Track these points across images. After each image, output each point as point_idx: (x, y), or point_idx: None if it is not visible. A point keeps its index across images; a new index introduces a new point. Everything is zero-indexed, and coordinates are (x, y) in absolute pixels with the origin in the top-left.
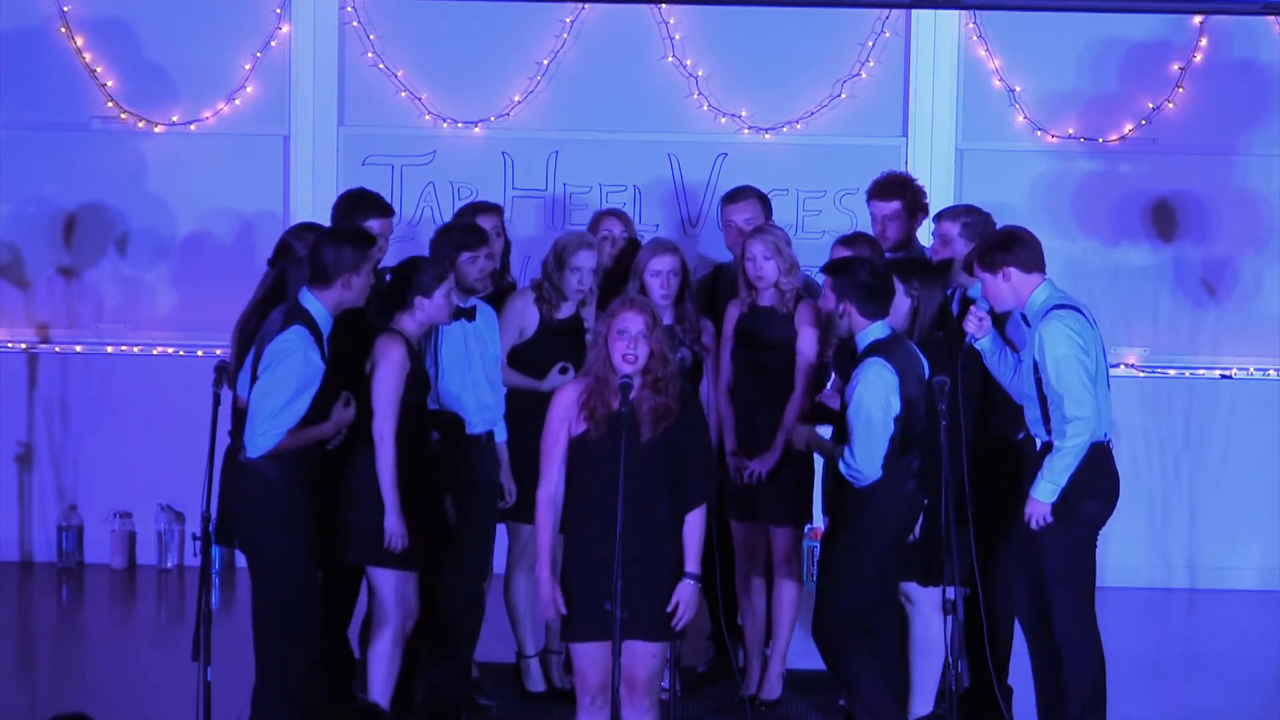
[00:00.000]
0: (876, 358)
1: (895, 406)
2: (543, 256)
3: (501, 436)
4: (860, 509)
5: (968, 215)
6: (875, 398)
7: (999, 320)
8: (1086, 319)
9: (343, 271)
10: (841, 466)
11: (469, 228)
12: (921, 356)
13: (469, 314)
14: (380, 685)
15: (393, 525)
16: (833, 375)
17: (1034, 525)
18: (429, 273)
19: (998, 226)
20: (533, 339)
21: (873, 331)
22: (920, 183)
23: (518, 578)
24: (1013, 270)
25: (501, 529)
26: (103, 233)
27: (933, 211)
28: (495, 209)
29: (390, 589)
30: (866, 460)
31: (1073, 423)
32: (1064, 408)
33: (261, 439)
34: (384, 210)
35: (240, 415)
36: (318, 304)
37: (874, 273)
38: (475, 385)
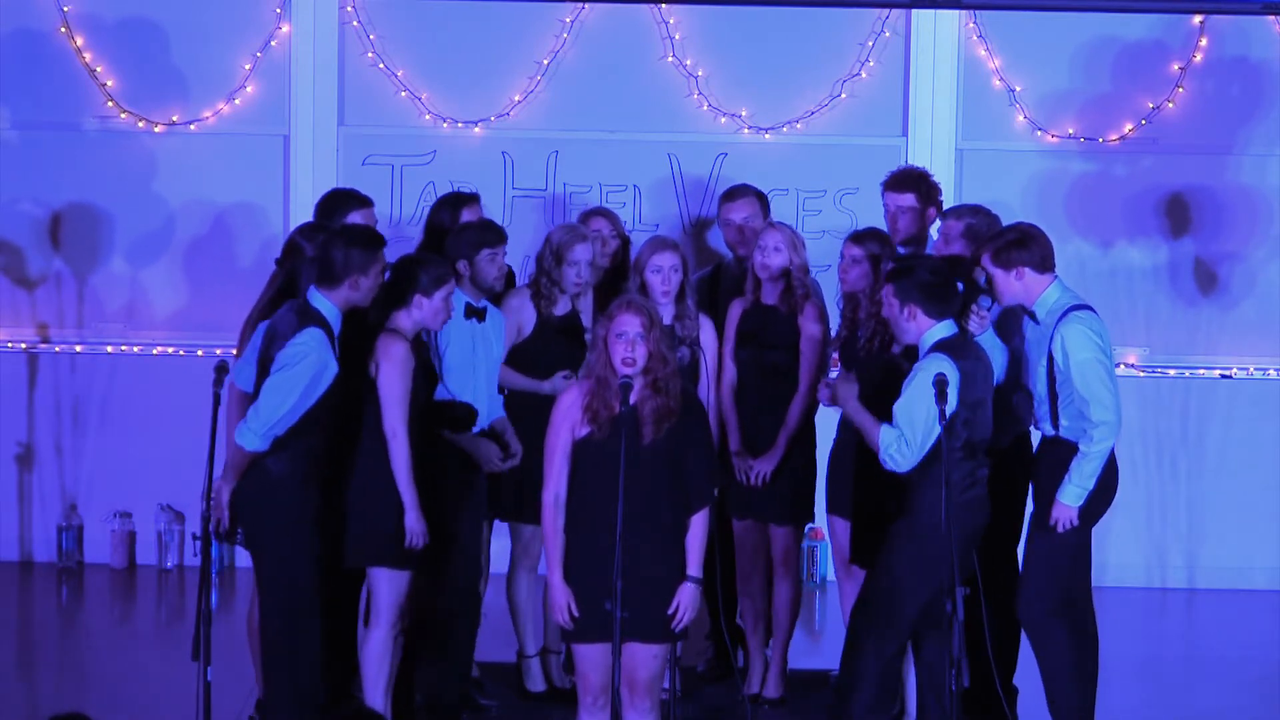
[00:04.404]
0: (939, 353)
1: (951, 401)
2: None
3: (499, 413)
4: (926, 514)
5: (973, 217)
6: (928, 384)
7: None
8: (1100, 320)
9: (351, 272)
10: (884, 438)
11: (487, 225)
12: (990, 359)
13: (480, 314)
14: (372, 684)
15: (412, 523)
16: (834, 371)
17: (1060, 529)
18: (430, 273)
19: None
20: (531, 336)
21: (938, 331)
22: (936, 179)
23: (520, 577)
24: (1027, 270)
25: (503, 529)
26: (103, 232)
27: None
28: (475, 198)
29: (386, 589)
30: (912, 440)
31: (1099, 427)
32: (1089, 412)
33: (260, 439)
34: (362, 202)
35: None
36: (328, 303)
37: (935, 271)
38: (476, 389)
